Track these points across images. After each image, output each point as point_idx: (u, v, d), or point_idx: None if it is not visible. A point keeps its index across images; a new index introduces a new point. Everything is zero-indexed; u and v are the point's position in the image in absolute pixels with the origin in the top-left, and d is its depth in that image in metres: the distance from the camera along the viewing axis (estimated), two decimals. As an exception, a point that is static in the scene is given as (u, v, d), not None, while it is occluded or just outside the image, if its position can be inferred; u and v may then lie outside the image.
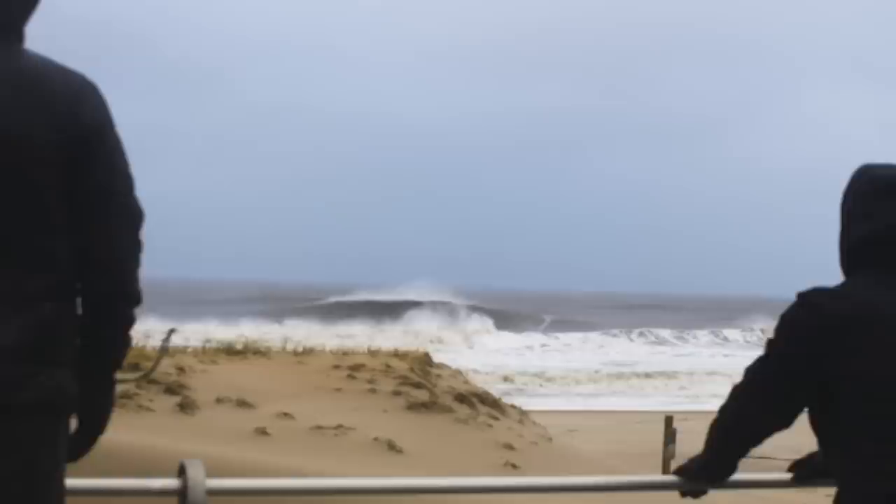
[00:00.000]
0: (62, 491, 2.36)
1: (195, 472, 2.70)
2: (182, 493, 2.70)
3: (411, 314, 54.17)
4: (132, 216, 2.39)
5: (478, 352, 44.54)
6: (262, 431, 10.52)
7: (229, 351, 14.55)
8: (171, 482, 2.73)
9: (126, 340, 2.41)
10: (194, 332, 25.61)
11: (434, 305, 56.46)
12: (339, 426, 11.02)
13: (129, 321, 2.40)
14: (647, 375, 37.38)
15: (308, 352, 15.45)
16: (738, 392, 2.86)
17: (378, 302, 57.33)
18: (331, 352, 15.57)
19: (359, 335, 41.18)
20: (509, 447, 11.64)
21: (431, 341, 43.34)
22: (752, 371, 2.83)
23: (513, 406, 14.54)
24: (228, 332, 32.36)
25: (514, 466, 10.82)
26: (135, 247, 2.39)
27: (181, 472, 2.73)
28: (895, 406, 2.65)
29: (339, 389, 13.09)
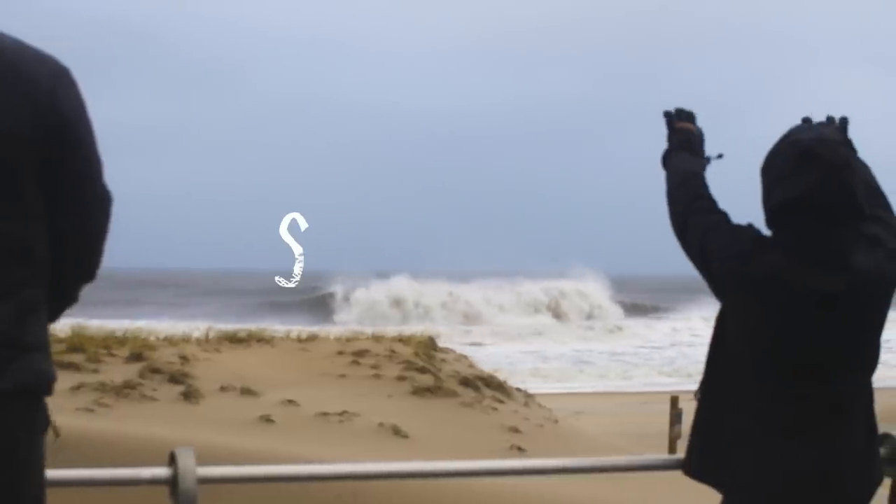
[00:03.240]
0: (42, 480, 2.30)
1: (185, 461, 2.62)
2: (172, 482, 2.63)
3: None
4: (104, 201, 2.41)
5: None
6: (267, 419, 10.47)
7: (232, 339, 14.49)
8: (162, 471, 2.67)
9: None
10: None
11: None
12: (344, 412, 10.96)
13: (76, 300, 2.45)
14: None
15: (312, 338, 15.40)
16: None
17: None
18: (334, 338, 15.52)
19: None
20: (515, 430, 11.58)
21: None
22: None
23: (518, 389, 14.48)
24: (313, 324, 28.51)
25: (519, 449, 10.75)
26: (105, 232, 2.42)
27: (171, 460, 2.66)
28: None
29: (343, 375, 13.04)
